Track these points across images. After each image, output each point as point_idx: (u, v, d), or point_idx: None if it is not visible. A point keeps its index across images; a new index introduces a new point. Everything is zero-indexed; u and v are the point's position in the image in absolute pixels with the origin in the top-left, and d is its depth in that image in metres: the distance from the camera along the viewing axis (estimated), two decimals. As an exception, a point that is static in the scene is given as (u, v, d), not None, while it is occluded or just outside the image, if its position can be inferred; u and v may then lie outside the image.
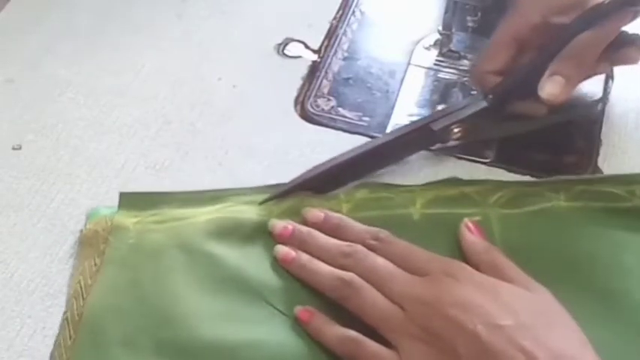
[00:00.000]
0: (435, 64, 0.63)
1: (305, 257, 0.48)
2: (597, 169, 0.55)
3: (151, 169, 0.56)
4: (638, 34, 0.55)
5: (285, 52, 0.64)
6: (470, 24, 0.63)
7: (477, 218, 0.49)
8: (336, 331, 0.44)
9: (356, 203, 0.51)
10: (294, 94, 0.61)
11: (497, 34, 0.55)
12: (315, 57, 0.64)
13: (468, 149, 0.56)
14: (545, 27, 0.51)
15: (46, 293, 0.49)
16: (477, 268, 0.46)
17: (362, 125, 0.59)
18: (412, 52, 0.64)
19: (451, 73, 0.63)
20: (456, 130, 0.53)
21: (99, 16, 0.67)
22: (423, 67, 0.63)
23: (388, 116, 0.59)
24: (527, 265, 0.45)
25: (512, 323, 0.40)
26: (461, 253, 0.48)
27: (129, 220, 0.51)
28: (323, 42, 0.65)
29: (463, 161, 0.56)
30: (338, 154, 0.53)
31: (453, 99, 0.61)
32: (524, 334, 0.40)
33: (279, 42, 0.65)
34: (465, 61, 0.63)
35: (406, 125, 0.55)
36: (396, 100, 0.61)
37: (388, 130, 0.58)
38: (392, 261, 0.46)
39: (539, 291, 0.44)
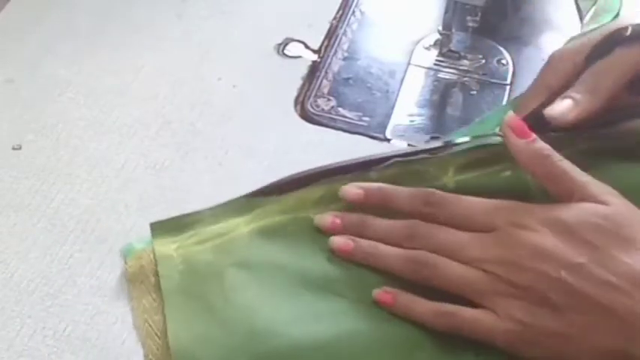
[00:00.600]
0: (435, 64, 0.63)
1: (365, 244, 0.47)
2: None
3: (151, 169, 0.56)
4: None
5: (285, 52, 0.64)
6: (470, 24, 0.63)
7: (508, 173, 0.49)
8: (428, 306, 0.44)
9: (388, 181, 0.50)
10: (294, 94, 0.61)
11: (531, 86, 0.54)
12: (315, 57, 0.64)
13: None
14: (576, 75, 0.50)
15: (46, 293, 0.49)
16: (536, 177, 0.46)
17: (362, 125, 0.59)
18: (412, 52, 0.64)
19: (451, 73, 0.63)
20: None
21: (99, 16, 0.67)
22: (423, 67, 0.63)
23: (388, 116, 0.59)
24: None
25: (588, 259, 0.41)
26: None
27: (169, 247, 0.50)
28: (323, 42, 0.65)
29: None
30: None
31: (453, 99, 0.61)
32: (603, 266, 0.41)
33: (279, 42, 0.65)
34: (465, 61, 0.63)
35: (409, 149, 0.54)
36: (396, 100, 0.61)
37: (387, 131, 0.58)
38: (453, 225, 0.45)
39: (611, 202, 0.43)
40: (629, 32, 0.47)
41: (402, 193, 0.48)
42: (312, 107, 0.60)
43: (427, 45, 0.64)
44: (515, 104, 0.54)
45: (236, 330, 0.45)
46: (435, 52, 0.64)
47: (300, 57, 0.64)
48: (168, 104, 0.60)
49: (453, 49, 0.63)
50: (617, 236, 0.42)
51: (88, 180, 0.55)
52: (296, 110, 0.60)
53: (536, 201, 0.46)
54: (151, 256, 0.49)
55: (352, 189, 0.49)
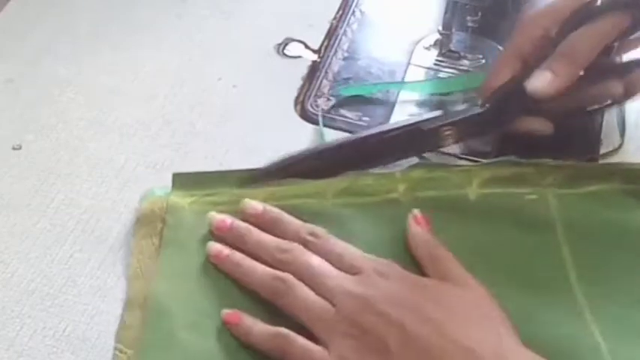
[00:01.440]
0: (435, 64, 0.63)
1: (239, 255, 0.48)
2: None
3: (151, 169, 0.56)
4: None
5: (285, 52, 0.64)
6: (470, 24, 0.63)
7: (533, 196, 0.49)
8: (265, 329, 0.44)
9: (412, 183, 0.51)
10: (294, 94, 0.61)
11: (502, 52, 0.55)
12: (315, 57, 0.64)
13: (470, 149, 0.56)
14: (547, 41, 0.51)
15: (46, 293, 0.49)
16: (418, 259, 0.47)
17: (362, 125, 0.59)
18: (412, 52, 0.64)
19: (451, 73, 0.62)
20: (446, 132, 0.53)
21: (99, 16, 0.67)
22: (423, 67, 0.63)
23: (388, 116, 0.59)
24: (590, 243, 0.47)
25: (439, 316, 0.42)
26: (516, 231, 0.48)
27: (184, 200, 0.51)
28: (323, 42, 0.65)
29: (464, 161, 0.56)
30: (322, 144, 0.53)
31: (453, 99, 0.61)
32: (450, 325, 0.41)
33: (279, 42, 0.65)
34: (465, 61, 0.63)
35: (394, 124, 0.54)
36: (396, 100, 0.61)
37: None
38: (327, 258, 0.46)
39: (474, 289, 0.44)
40: (599, 2, 0.49)
41: (293, 221, 0.49)
42: (312, 107, 0.60)
43: (427, 45, 0.64)
44: (489, 71, 0.55)
45: (214, 294, 0.47)
46: (435, 52, 0.64)
47: (300, 57, 0.64)
48: (168, 104, 0.60)
49: (453, 49, 0.63)
50: (471, 310, 0.43)
51: (88, 180, 0.55)
52: (296, 110, 0.60)
53: (555, 230, 0.48)
54: (164, 204, 0.51)
55: (253, 204, 0.50)
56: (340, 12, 0.68)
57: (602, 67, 0.52)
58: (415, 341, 0.41)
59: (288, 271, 0.46)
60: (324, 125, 0.58)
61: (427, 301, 0.43)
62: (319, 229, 0.48)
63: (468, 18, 0.63)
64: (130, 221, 0.52)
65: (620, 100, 0.54)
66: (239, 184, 0.52)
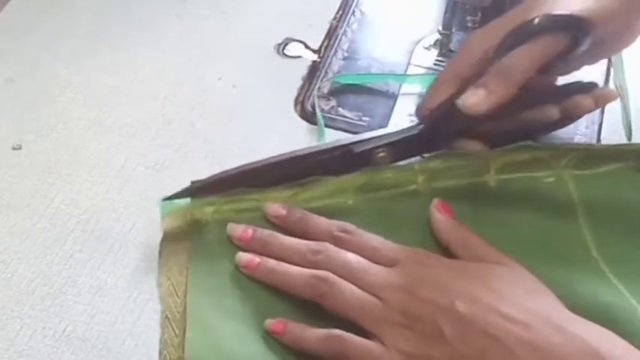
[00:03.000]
0: (435, 64, 0.63)
1: (272, 261, 0.47)
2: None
3: (151, 169, 0.56)
4: (594, 83, 0.54)
5: (285, 52, 0.64)
6: (470, 24, 0.63)
7: (551, 179, 0.50)
8: (317, 333, 0.44)
9: (431, 174, 0.51)
10: (294, 94, 0.61)
11: (441, 72, 0.54)
12: (315, 57, 0.64)
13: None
14: (486, 62, 0.50)
15: (46, 293, 0.49)
16: (447, 246, 0.47)
17: (362, 125, 0.59)
18: (412, 52, 0.64)
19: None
20: (380, 154, 0.52)
21: (99, 16, 0.67)
22: (423, 67, 0.63)
23: (388, 116, 0.59)
24: (610, 222, 0.47)
25: (487, 294, 0.42)
26: (537, 214, 0.49)
27: (206, 210, 0.51)
28: (323, 42, 0.65)
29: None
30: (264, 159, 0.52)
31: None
32: (501, 301, 0.41)
33: (279, 42, 0.65)
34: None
35: (329, 143, 0.53)
36: (396, 100, 0.61)
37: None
38: (361, 253, 0.46)
39: (511, 265, 0.45)
40: (536, 22, 0.48)
41: (320, 219, 0.49)
42: (312, 107, 0.60)
43: (427, 45, 0.64)
44: (427, 92, 0.55)
45: (254, 305, 0.47)
46: (435, 52, 0.64)
47: (300, 57, 0.64)
48: (168, 104, 0.60)
49: (452, 49, 0.63)
50: (516, 285, 0.43)
51: (88, 180, 0.55)
52: (296, 110, 0.60)
53: (575, 210, 0.49)
54: (188, 217, 0.51)
55: (276, 207, 0.50)
56: (340, 12, 0.68)
57: (539, 90, 0.53)
58: (469, 321, 0.41)
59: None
60: (325, 125, 0.58)
61: (472, 282, 0.43)
62: (349, 225, 0.48)
63: (468, 18, 0.63)
64: (130, 221, 0.52)
65: (555, 126, 0.54)
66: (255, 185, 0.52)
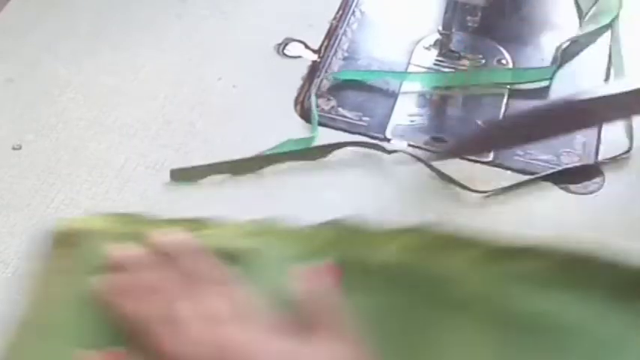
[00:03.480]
0: (435, 64, 0.63)
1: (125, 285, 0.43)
2: (597, 169, 0.56)
3: (151, 169, 0.56)
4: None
5: (285, 52, 0.64)
6: (470, 24, 0.63)
7: (453, 270, 0.43)
8: None
9: (331, 239, 0.45)
10: (294, 94, 0.61)
11: None
12: (315, 57, 0.64)
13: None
14: None
15: (46, 293, 0.49)
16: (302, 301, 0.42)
17: (362, 125, 0.59)
18: (412, 52, 0.64)
19: (451, 73, 0.63)
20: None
21: (99, 16, 0.67)
22: (423, 67, 0.63)
23: (388, 116, 0.59)
24: (504, 327, 0.41)
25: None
26: (428, 305, 0.43)
27: (92, 224, 0.46)
28: (323, 42, 0.65)
29: (464, 161, 0.56)
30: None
31: (453, 99, 0.61)
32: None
33: (279, 42, 0.65)
34: (465, 61, 0.63)
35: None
36: (396, 100, 0.61)
37: (387, 131, 0.58)
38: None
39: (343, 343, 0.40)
40: None
41: (206, 258, 0.43)
42: (309, 105, 0.60)
43: (427, 45, 0.64)
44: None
45: None
46: (435, 52, 0.64)
47: (300, 57, 0.64)
48: (168, 104, 0.60)
49: (452, 49, 0.63)
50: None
51: (88, 180, 0.55)
52: (296, 110, 0.60)
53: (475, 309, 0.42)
54: (73, 227, 0.46)
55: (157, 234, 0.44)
56: (340, 12, 0.68)
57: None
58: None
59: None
60: (325, 125, 0.58)
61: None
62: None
63: (468, 18, 0.63)
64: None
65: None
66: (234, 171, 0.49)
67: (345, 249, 0.44)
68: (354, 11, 0.68)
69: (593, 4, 0.67)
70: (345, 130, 0.58)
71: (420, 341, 0.42)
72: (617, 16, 0.66)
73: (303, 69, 0.63)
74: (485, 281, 0.43)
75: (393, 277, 0.44)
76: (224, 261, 0.43)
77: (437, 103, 0.61)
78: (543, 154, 0.57)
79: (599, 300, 0.42)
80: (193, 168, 0.55)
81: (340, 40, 0.65)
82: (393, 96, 0.61)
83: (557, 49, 0.64)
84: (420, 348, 0.42)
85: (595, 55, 0.64)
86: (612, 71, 0.62)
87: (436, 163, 0.55)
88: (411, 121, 0.59)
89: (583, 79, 0.62)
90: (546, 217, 0.53)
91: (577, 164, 0.56)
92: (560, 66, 0.62)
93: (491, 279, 0.43)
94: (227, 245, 0.45)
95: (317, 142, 0.57)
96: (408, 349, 0.41)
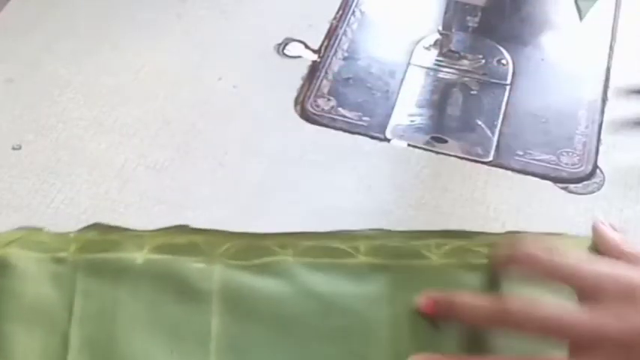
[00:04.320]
0: (435, 64, 0.63)
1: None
2: (597, 169, 0.56)
3: (151, 169, 0.56)
4: None
5: (285, 52, 0.64)
6: (470, 24, 0.63)
7: (200, 265, 0.46)
8: None
9: (84, 244, 0.48)
10: (294, 94, 0.61)
11: None
12: (315, 57, 0.64)
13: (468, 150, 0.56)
14: None
15: (46, 293, 0.49)
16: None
17: (362, 125, 0.59)
18: (412, 52, 0.64)
19: (451, 73, 0.63)
20: None
21: (99, 16, 0.67)
22: (423, 67, 0.63)
23: (388, 116, 0.59)
24: (242, 316, 0.45)
25: None
26: (172, 299, 0.46)
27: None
28: (323, 42, 0.65)
29: (464, 161, 0.56)
30: None
31: (453, 99, 0.61)
32: None
33: (279, 42, 0.65)
34: (465, 61, 0.63)
35: None
36: (396, 100, 0.61)
37: (387, 131, 0.58)
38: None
39: None
40: None
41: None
42: (312, 107, 0.60)
43: (427, 45, 0.64)
44: None
45: None
46: (435, 52, 0.64)
47: (300, 57, 0.64)
48: (168, 104, 0.60)
49: (452, 49, 0.63)
50: None
51: (88, 180, 0.55)
52: (296, 110, 0.60)
53: (211, 298, 0.45)
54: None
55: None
56: (340, 12, 0.68)
57: None
58: None
59: None
60: (325, 125, 0.58)
61: None
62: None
63: (468, 18, 0.63)
64: (130, 221, 0.52)
65: None
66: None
67: (100, 252, 0.47)
68: (354, 11, 0.68)
69: (593, 4, 0.67)
70: (345, 130, 0.58)
71: (160, 332, 0.45)
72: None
73: (303, 69, 0.63)
74: (227, 274, 0.46)
75: (145, 277, 0.46)
76: None
77: (437, 103, 0.61)
78: (543, 154, 0.57)
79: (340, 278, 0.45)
80: None
81: (340, 40, 0.65)
82: (393, 96, 0.61)
83: None
84: (158, 338, 0.44)
85: (595, 54, 0.64)
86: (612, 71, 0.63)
87: (436, 163, 0.55)
88: (411, 121, 0.59)
89: (583, 79, 0.62)
90: (546, 217, 0.53)
91: (577, 164, 0.56)
92: None
93: (233, 272, 0.46)
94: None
95: (316, 142, 0.57)
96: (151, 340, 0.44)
